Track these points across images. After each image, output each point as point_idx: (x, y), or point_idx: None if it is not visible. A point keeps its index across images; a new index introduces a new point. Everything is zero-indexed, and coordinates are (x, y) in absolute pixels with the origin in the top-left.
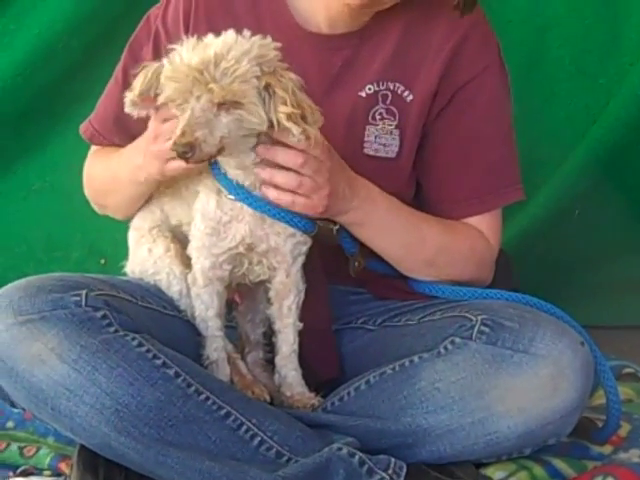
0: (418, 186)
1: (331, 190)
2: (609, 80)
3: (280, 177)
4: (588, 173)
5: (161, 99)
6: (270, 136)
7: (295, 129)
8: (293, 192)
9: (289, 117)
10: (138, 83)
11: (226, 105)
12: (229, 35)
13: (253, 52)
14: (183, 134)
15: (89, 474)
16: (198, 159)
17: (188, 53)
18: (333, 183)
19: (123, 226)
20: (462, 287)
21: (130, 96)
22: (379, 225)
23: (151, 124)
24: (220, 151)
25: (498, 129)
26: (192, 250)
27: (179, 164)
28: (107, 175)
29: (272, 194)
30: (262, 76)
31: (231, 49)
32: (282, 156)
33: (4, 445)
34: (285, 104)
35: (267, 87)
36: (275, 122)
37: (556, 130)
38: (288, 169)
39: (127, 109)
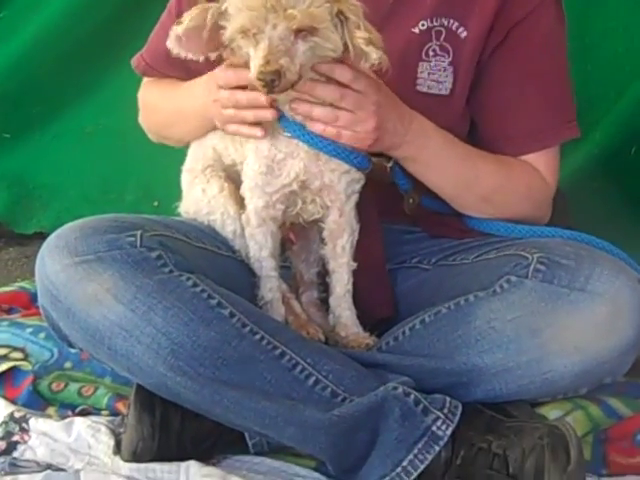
0: (473, 124)
1: (378, 123)
2: None
3: (317, 111)
4: None
5: (230, 31)
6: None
7: (375, 52)
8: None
9: (367, 42)
10: (189, 16)
11: (303, 32)
12: None
13: None
14: (268, 62)
15: (146, 413)
16: (283, 88)
17: None
18: (381, 116)
19: (176, 168)
20: (518, 225)
21: (177, 30)
22: (433, 160)
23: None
24: (299, 79)
25: (554, 65)
26: (245, 190)
27: (235, 129)
28: (170, 108)
29: (318, 127)
30: (332, 2)
31: None
32: (320, 91)
33: (63, 385)
34: (359, 29)
35: (337, 14)
36: (351, 47)
37: (613, 66)
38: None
39: (169, 44)
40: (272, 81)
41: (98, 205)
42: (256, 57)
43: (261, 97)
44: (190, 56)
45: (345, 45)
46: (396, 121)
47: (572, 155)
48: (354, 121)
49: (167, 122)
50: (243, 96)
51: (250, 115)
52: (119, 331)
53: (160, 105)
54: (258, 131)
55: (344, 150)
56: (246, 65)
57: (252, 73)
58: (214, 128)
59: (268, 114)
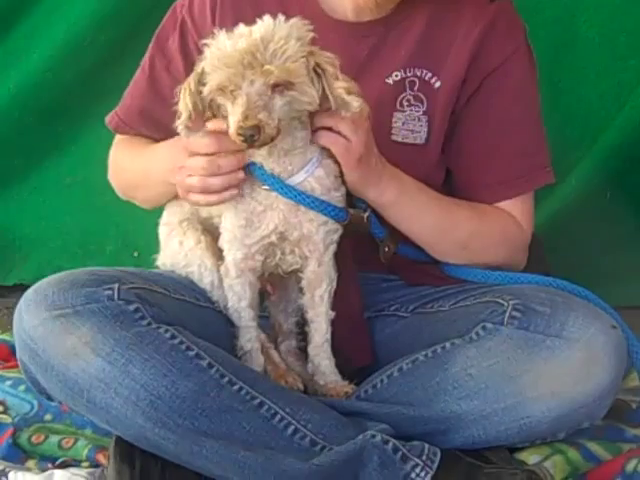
0: (448, 172)
1: (366, 148)
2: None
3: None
4: (619, 155)
5: (207, 89)
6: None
7: (356, 102)
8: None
9: (348, 91)
10: (182, 104)
11: (280, 87)
12: (267, 20)
13: (295, 33)
14: (246, 118)
15: (126, 465)
16: (263, 142)
17: (229, 41)
18: (368, 144)
19: (156, 218)
20: (494, 271)
21: (182, 122)
22: (410, 206)
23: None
24: (278, 134)
25: (527, 113)
26: (224, 242)
27: (198, 199)
28: (138, 170)
29: (318, 135)
30: (308, 56)
31: (275, 31)
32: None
33: (43, 437)
34: (337, 79)
35: (314, 67)
36: (332, 98)
37: (587, 112)
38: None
39: (184, 135)
40: (252, 136)
41: (78, 256)
42: (235, 113)
43: (239, 161)
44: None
45: (322, 97)
46: (377, 157)
47: (548, 200)
48: (352, 129)
49: (133, 183)
50: (225, 161)
51: (217, 182)
52: (98, 384)
53: (127, 165)
54: (232, 191)
55: (321, 202)
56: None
57: (231, 129)
58: (177, 196)
59: (240, 175)
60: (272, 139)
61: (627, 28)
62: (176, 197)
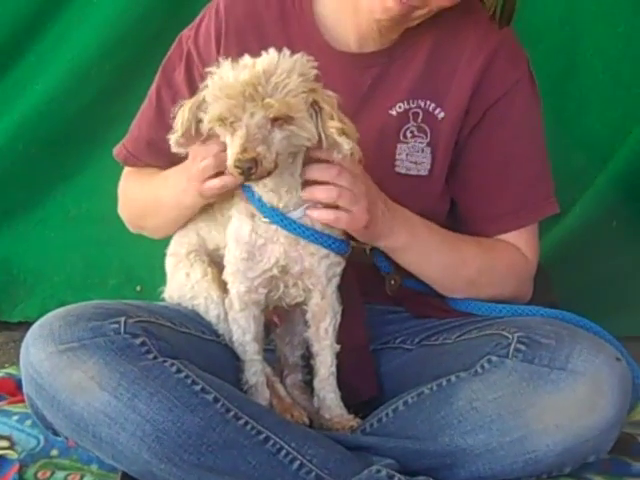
0: (452, 203)
1: (369, 204)
2: None
3: (319, 191)
4: (625, 183)
5: (208, 118)
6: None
7: (346, 144)
8: (335, 209)
9: (340, 132)
10: (179, 122)
11: (279, 121)
12: (271, 53)
13: (298, 69)
14: (245, 150)
15: None
16: (260, 175)
17: (234, 71)
18: (370, 197)
19: (159, 252)
20: (499, 304)
21: (174, 138)
22: (420, 249)
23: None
24: (275, 167)
25: (531, 144)
26: (227, 275)
27: (214, 183)
28: (149, 198)
29: (316, 213)
30: (308, 92)
31: (278, 65)
32: (317, 171)
33: (49, 473)
34: (332, 119)
35: (312, 104)
36: (324, 137)
37: (591, 140)
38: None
39: (174, 149)
40: (249, 169)
41: (81, 290)
42: (233, 145)
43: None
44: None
45: (319, 134)
46: (383, 206)
47: (553, 229)
48: (351, 200)
49: (143, 212)
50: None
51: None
52: (103, 418)
53: (137, 194)
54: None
55: (322, 235)
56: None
57: (229, 161)
58: (187, 224)
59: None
60: (269, 173)
61: (631, 56)
62: (185, 224)
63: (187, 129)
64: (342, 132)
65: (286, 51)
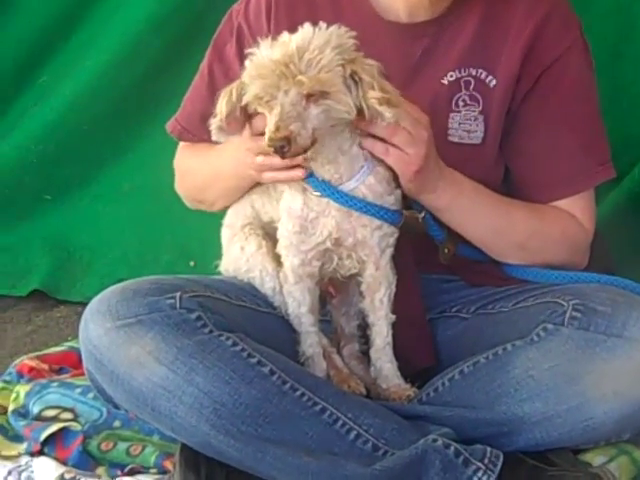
0: (507, 171)
1: (427, 151)
2: None
3: (377, 126)
4: None
5: (246, 99)
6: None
7: (388, 112)
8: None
9: (380, 101)
10: (222, 106)
11: (314, 96)
12: (306, 28)
13: (333, 41)
14: (277, 129)
15: (191, 472)
16: (294, 153)
17: (267, 50)
18: (429, 148)
19: (212, 227)
20: (554, 271)
21: (216, 122)
22: (467, 209)
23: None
24: (313, 143)
25: (585, 108)
26: (281, 248)
27: (270, 176)
28: (206, 170)
29: (368, 142)
30: (345, 64)
31: (312, 41)
32: (376, 127)
33: (112, 445)
34: (373, 89)
35: (352, 75)
36: (365, 108)
37: None
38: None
39: (214, 137)
40: (282, 147)
41: (136, 267)
42: (269, 124)
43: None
44: (236, 134)
45: (361, 105)
46: (435, 163)
47: (611, 194)
48: (409, 141)
49: (202, 185)
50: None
51: (278, 161)
52: (162, 392)
53: (195, 168)
54: (297, 172)
55: (374, 206)
56: None
57: (265, 139)
58: (248, 190)
59: (298, 173)
60: (306, 149)
61: None
62: (239, 199)
63: (230, 112)
64: (382, 101)
65: (322, 24)
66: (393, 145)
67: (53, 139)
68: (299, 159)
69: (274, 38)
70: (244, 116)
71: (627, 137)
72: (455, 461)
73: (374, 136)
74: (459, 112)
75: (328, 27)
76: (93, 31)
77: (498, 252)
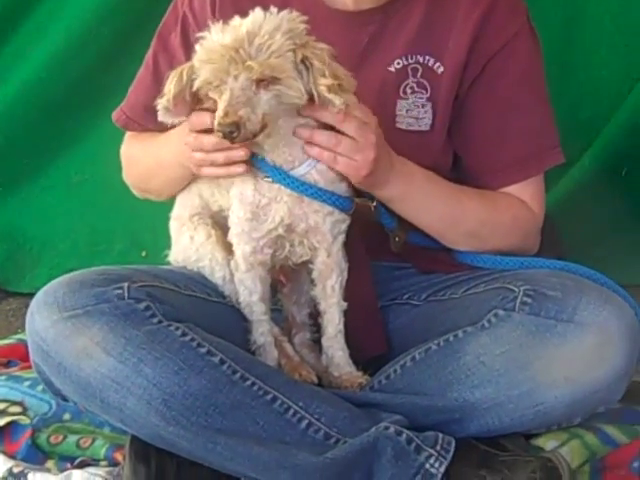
0: (456, 158)
1: (376, 155)
2: None
3: (319, 135)
4: (633, 131)
5: (197, 84)
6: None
7: (337, 100)
8: (334, 152)
9: (330, 88)
10: (170, 87)
11: (264, 82)
12: (257, 13)
13: (283, 26)
14: (226, 114)
15: (142, 464)
16: (243, 138)
17: (218, 35)
18: (378, 149)
19: (163, 217)
20: (505, 257)
21: (163, 102)
22: (418, 199)
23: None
24: (263, 128)
25: (533, 94)
26: (232, 236)
27: (210, 171)
28: (151, 159)
29: (314, 151)
30: (296, 49)
31: (262, 25)
32: (325, 113)
33: (61, 437)
34: (323, 75)
35: (302, 60)
36: (316, 94)
37: (598, 90)
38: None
39: (160, 117)
40: (231, 132)
41: (87, 257)
42: (218, 109)
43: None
44: (182, 120)
45: (311, 91)
46: (387, 158)
47: (562, 181)
48: (354, 148)
49: (148, 174)
50: (208, 140)
51: (220, 157)
52: (110, 384)
53: (140, 158)
54: (237, 168)
55: (325, 192)
56: None
57: (215, 124)
58: (192, 178)
59: (241, 153)
60: (255, 135)
61: (636, 5)
62: (187, 187)
63: (179, 94)
64: (333, 88)
65: (273, 9)
66: (339, 153)
67: (1, 130)
68: (237, 156)
69: (225, 23)
70: (193, 100)
71: (577, 124)
72: (407, 448)
73: (325, 125)
74: (407, 99)
75: (279, 12)
76: (41, 22)
77: (450, 240)
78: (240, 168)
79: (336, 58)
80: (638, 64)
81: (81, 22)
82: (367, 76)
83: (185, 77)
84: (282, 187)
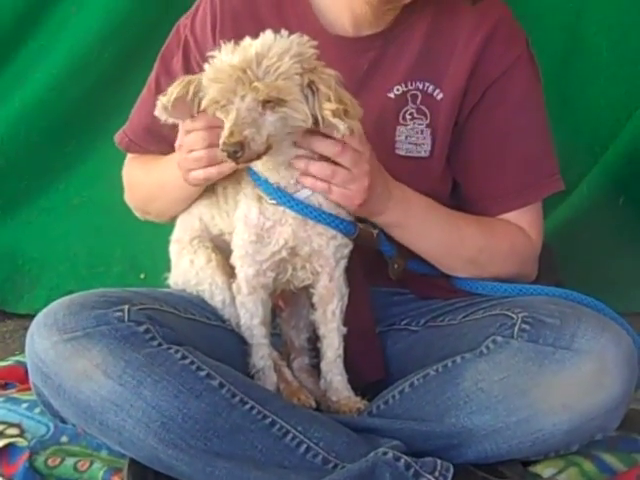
0: (455, 184)
1: (370, 183)
2: None
3: (315, 167)
4: (631, 160)
5: (205, 102)
6: (311, 132)
7: (341, 125)
8: (329, 182)
9: (334, 113)
10: (174, 88)
11: (271, 103)
12: (267, 35)
13: (293, 50)
14: (232, 134)
15: None
16: (247, 158)
17: (228, 55)
18: (372, 177)
19: (162, 240)
20: (503, 283)
21: (163, 100)
22: (417, 226)
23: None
24: (267, 150)
25: (532, 121)
26: (235, 259)
27: (198, 174)
28: (152, 181)
29: (308, 182)
30: (304, 73)
31: (271, 47)
32: (320, 145)
33: (59, 460)
34: (329, 100)
35: (309, 84)
36: (320, 119)
37: (596, 118)
38: (326, 160)
39: (157, 112)
40: (235, 152)
41: (86, 279)
42: (224, 128)
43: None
44: (177, 121)
45: (316, 115)
46: (382, 186)
47: (560, 207)
48: (349, 179)
49: (150, 196)
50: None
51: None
52: (110, 406)
53: (142, 180)
54: (227, 165)
55: (329, 216)
56: None
57: (219, 144)
58: (194, 201)
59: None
60: (259, 155)
61: (635, 32)
62: (188, 210)
63: (180, 97)
64: (337, 113)
65: (284, 32)
66: (334, 184)
67: (2, 151)
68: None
69: (236, 43)
70: (194, 107)
71: (575, 151)
72: (405, 474)
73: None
74: (406, 125)
75: (290, 35)
76: (43, 43)
77: (448, 266)
78: (231, 164)
79: (343, 84)
80: (636, 93)
81: (83, 44)
82: (366, 102)
83: (191, 91)
84: (286, 210)
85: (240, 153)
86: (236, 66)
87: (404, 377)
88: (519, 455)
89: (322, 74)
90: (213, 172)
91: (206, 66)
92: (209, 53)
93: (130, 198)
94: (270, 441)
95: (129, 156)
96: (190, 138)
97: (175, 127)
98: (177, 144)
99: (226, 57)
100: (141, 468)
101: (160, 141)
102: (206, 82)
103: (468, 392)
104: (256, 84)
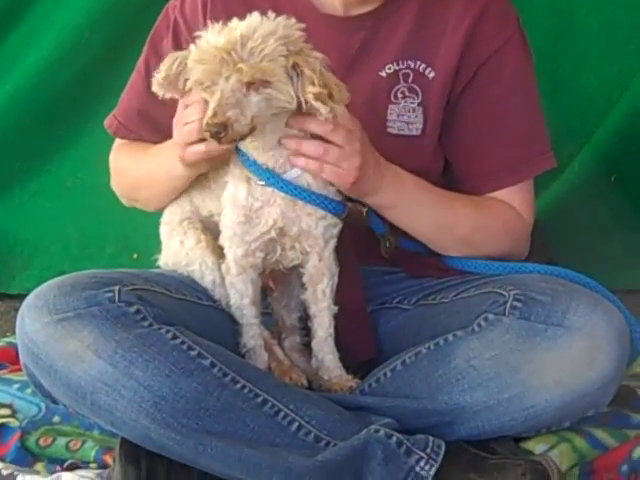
0: (447, 163)
1: (362, 162)
2: (639, 45)
3: (307, 145)
4: (623, 138)
5: (189, 83)
6: (302, 113)
7: (323, 108)
8: (321, 161)
9: (317, 97)
10: (165, 66)
11: (255, 84)
12: (254, 17)
13: (279, 32)
14: (215, 114)
15: (132, 466)
16: (230, 139)
17: (214, 36)
18: (364, 156)
19: (155, 220)
20: (495, 262)
21: (157, 78)
22: (409, 206)
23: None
24: (252, 130)
25: (524, 100)
26: (224, 240)
27: (198, 148)
28: (141, 170)
29: (300, 162)
30: (289, 55)
31: (257, 29)
32: (311, 123)
33: (51, 440)
34: (313, 84)
35: (294, 66)
36: (303, 101)
37: (588, 97)
38: (317, 139)
39: (154, 88)
40: (217, 132)
41: (78, 260)
42: (208, 109)
43: None
44: (175, 96)
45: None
46: (374, 166)
47: (552, 186)
48: (341, 156)
49: (137, 184)
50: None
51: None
52: (101, 386)
53: (130, 168)
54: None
55: (318, 196)
56: None
57: (203, 124)
58: (180, 194)
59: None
60: (243, 136)
61: (626, 12)
62: (177, 196)
63: (172, 75)
64: (320, 97)
65: (271, 14)
66: (326, 162)
67: None
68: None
69: (223, 24)
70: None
71: (567, 130)
72: (397, 451)
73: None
74: (398, 104)
75: (276, 17)
76: (33, 27)
77: (441, 246)
78: None
79: (330, 68)
80: (627, 72)
81: (73, 27)
82: (358, 81)
83: (175, 66)
84: (275, 190)
85: (223, 133)
86: (221, 48)
87: (396, 355)
88: (511, 432)
89: (308, 57)
90: (212, 146)
91: (192, 47)
92: (196, 33)
93: (117, 185)
94: (262, 419)
95: (117, 142)
96: (187, 111)
97: (165, 110)
98: (174, 122)
99: (212, 38)
100: (133, 447)
101: (150, 125)
102: (191, 63)
103: (460, 369)
104: (240, 65)
